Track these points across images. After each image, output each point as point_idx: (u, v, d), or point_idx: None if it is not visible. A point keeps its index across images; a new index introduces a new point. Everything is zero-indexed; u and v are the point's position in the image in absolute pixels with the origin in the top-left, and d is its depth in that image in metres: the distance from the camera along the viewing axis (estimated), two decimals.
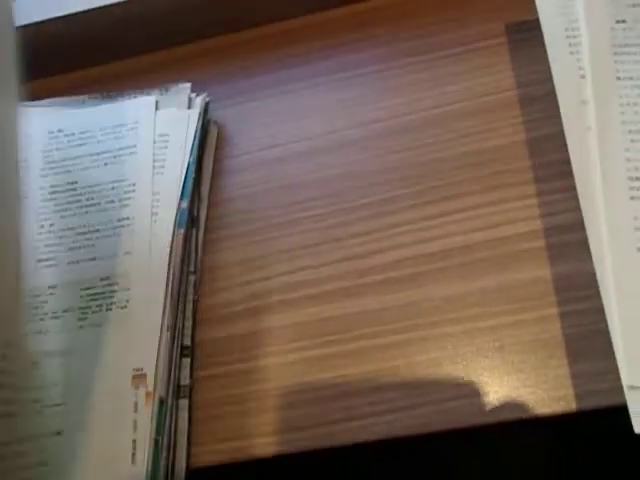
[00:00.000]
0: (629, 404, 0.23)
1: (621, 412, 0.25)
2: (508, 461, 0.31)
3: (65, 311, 0.33)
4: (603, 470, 0.29)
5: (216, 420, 0.30)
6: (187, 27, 0.40)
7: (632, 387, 0.23)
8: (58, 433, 0.30)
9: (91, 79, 0.41)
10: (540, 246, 0.30)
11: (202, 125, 0.36)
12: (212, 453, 0.29)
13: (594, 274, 0.27)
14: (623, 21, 0.29)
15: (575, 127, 0.27)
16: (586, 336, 0.28)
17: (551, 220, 0.30)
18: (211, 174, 0.36)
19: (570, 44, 0.29)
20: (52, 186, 0.36)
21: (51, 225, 0.35)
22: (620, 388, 0.25)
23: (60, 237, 0.35)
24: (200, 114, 0.36)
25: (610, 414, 0.26)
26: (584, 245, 0.28)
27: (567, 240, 0.30)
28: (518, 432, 0.28)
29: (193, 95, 0.37)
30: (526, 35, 0.35)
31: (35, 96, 0.39)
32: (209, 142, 0.37)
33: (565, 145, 0.29)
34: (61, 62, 0.40)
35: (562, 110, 0.28)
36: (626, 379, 0.23)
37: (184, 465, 0.29)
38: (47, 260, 0.34)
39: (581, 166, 0.27)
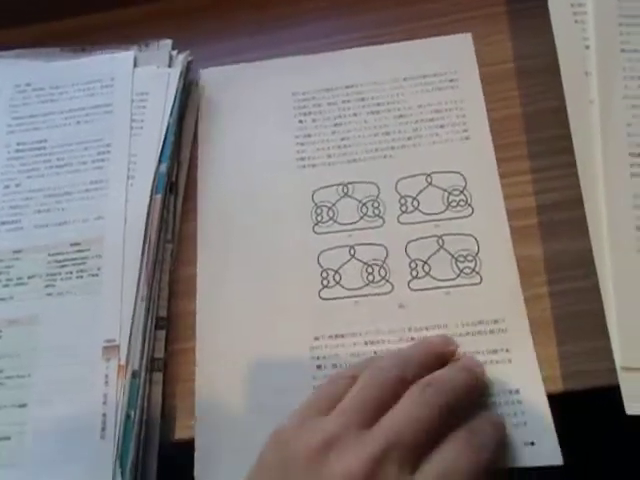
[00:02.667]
0: (622, 386, 0.23)
1: (608, 393, 0.25)
2: None
3: (31, 277, 0.31)
4: (590, 450, 0.29)
5: (191, 395, 0.28)
6: None
7: (626, 368, 0.23)
8: (22, 405, 0.28)
9: (65, 31, 0.38)
10: (532, 224, 0.29)
11: (184, 85, 0.34)
12: (187, 429, 0.28)
13: (586, 253, 0.26)
14: None
15: (577, 100, 0.26)
16: (575, 316, 0.27)
17: (545, 197, 0.30)
18: (192, 138, 0.34)
19: (575, 12, 0.28)
20: (19, 144, 0.34)
21: (17, 185, 0.33)
22: (607, 369, 0.25)
23: (27, 199, 0.32)
24: (182, 73, 0.34)
25: (596, 395, 0.26)
26: (577, 224, 0.28)
27: (560, 218, 0.29)
28: None
29: (174, 53, 0.35)
30: (527, 4, 0.34)
31: (2, 46, 0.36)
32: (190, 104, 0.35)
33: (563, 121, 0.28)
34: (33, 10, 0.37)
35: (564, 82, 0.27)
36: (620, 360, 0.23)
37: (157, 441, 0.28)
38: (12, 223, 0.32)
39: (582, 141, 0.26)
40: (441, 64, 0.33)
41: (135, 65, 0.35)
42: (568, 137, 0.27)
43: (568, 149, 0.28)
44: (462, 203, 0.30)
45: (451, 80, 0.32)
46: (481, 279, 0.28)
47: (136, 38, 0.36)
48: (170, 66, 0.34)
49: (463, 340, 0.27)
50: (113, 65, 0.35)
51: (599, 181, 0.25)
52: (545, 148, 0.30)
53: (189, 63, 0.35)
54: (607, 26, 0.27)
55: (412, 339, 0.27)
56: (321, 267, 0.30)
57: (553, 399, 0.26)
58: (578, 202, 0.27)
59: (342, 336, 0.28)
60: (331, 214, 0.30)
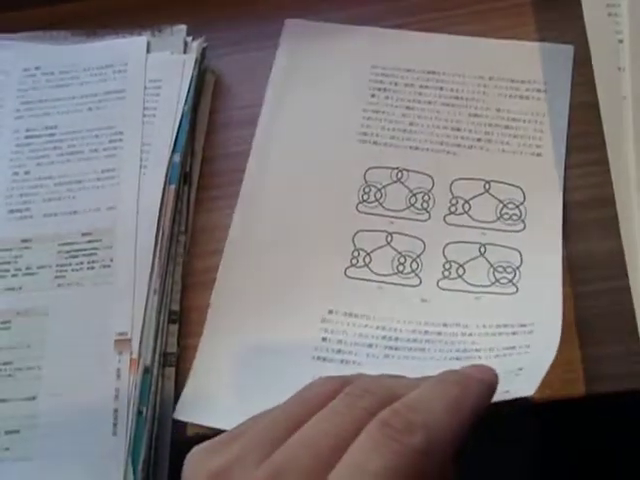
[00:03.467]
0: None
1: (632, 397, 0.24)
2: (510, 446, 0.30)
3: (40, 267, 0.30)
4: (612, 456, 0.29)
5: None
6: None
7: None
8: (32, 398, 0.27)
9: (76, 14, 0.36)
10: None
11: (198, 73, 0.33)
12: (199, 425, 0.27)
13: (614, 254, 0.26)
14: None
15: (610, 96, 0.26)
16: (601, 318, 0.27)
17: (572, 195, 0.29)
18: (206, 127, 0.33)
19: (608, 4, 0.27)
20: (28, 129, 0.33)
21: (26, 173, 0.32)
22: (635, 373, 0.24)
23: (36, 186, 0.32)
24: (196, 60, 0.33)
25: (622, 399, 0.26)
26: (606, 223, 0.27)
27: (588, 217, 0.28)
28: (522, 415, 0.27)
29: (189, 39, 0.34)
30: None
31: (11, 29, 0.35)
32: (205, 92, 0.34)
33: (593, 117, 0.27)
34: None
35: (597, 77, 0.26)
36: None
37: (169, 438, 0.27)
38: (21, 211, 0.31)
39: (615, 138, 0.25)
40: (533, 72, 0.31)
41: (148, 51, 0.34)
42: (598, 133, 0.27)
43: (597, 146, 0.27)
44: (515, 217, 0.29)
45: (538, 90, 0.31)
46: (517, 290, 0.27)
47: (148, 23, 0.35)
48: (185, 52, 0.34)
49: (481, 340, 0.26)
50: (126, 50, 0.34)
51: (632, 180, 0.24)
52: (573, 144, 0.30)
53: (204, 50, 0.34)
54: None
55: (426, 332, 0.27)
56: (354, 246, 0.29)
57: (578, 403, 0.25)
58: (607, 201, 0.26)
59: (356, 315, 0.28)
60: (378, 196, 0.30)
